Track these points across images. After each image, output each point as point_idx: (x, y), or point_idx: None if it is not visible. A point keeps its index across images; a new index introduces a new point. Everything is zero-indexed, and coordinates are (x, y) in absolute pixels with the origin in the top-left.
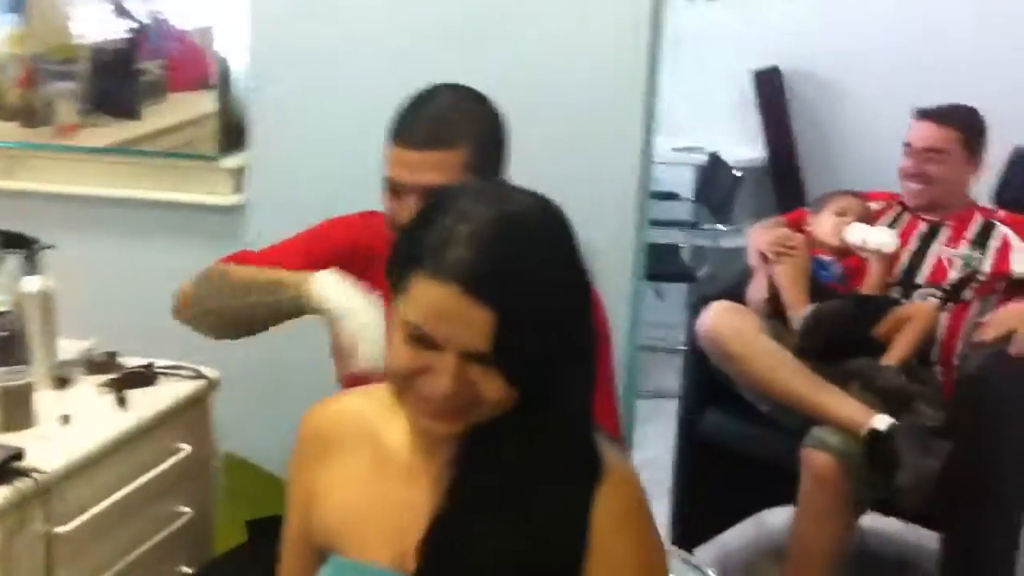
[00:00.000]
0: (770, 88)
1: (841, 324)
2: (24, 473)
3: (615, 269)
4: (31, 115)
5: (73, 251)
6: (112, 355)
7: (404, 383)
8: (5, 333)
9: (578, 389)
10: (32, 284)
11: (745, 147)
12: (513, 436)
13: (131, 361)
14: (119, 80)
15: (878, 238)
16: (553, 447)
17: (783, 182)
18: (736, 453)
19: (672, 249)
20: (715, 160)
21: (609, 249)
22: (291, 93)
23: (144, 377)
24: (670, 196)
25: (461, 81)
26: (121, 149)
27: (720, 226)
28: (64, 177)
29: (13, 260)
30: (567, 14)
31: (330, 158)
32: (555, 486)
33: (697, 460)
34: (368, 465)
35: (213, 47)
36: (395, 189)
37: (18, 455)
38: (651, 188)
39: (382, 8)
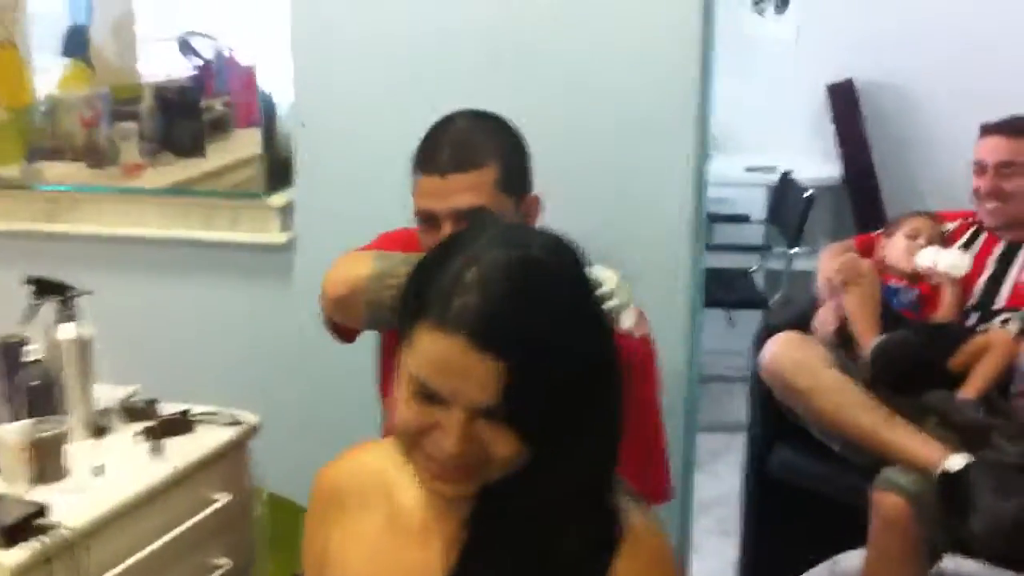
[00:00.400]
0: (844, 102)
1: (912, 356)
2: (46, 530)
3: (671, 296)
4: (97, 155)
5: (122, 293)
6: (152, 402)
7: (411, 441)
8: (37, 383)
9: (596, 444)
10: (67, 331)
11: (821, 164)
12: (527, 496)
13: (170, 408)
14: (183, 118)
15: (948, 261)
16: (570, 506)
17: (861, 200)
18: (808, 492)
19: (744, 274)
20: (786, 180)
21: (664, 275)
22: (335, 128)
23: (181, 424)
24: (741, 218)
25: (505, 106)
26: (167, 189)
27: (794, 249)
28: (114, 219)
29: (49, 307)
30: (611, 34)
31: (376, 192)
32: (573, 546)
33: (766, 499)
34: (382, 524)
35: (258, 85)
36: (428, 220)
37: (40, 511)
38: (722, 211)
39: (424, 39)
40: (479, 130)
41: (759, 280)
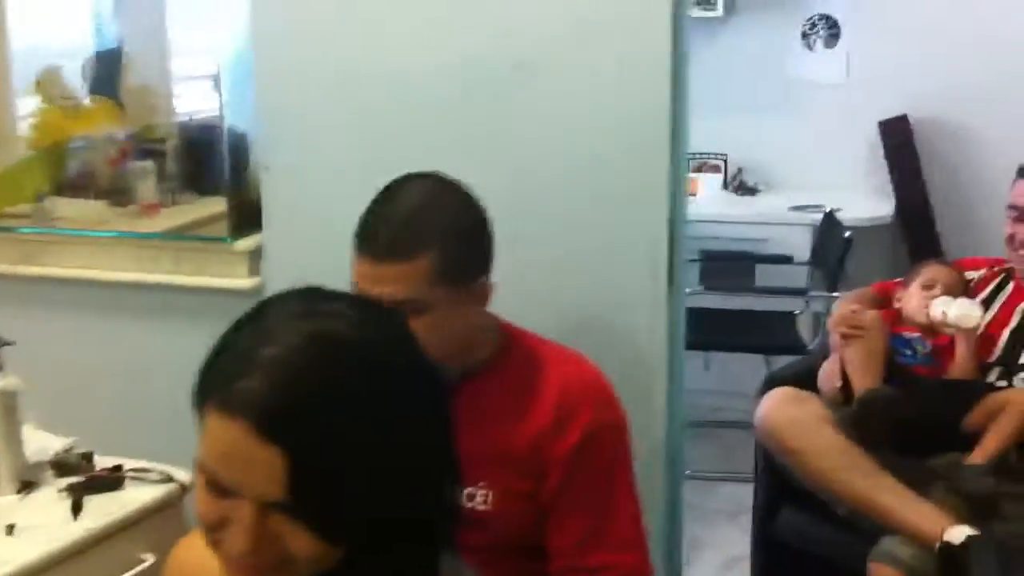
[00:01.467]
0: (897, 138)
1: (892, 414)
2: None
3: (647, 340)
4: (120, 194)
5: (85, 337)
6: (87, 456)
7: (211, 535)
8: None
9: (415, 543)
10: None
11: (874, 203)
12: None
13: (106, 462)
14: (206, 157)
15: (958, 311)
16: None
17: (916, 239)
18: (817, 557)
19: (786, 317)
20: (830, 219)
21: (640, 319)
22: (303, 172)
23: (109, 481)
24: (782, 259)
25: (473, 144)
26: (132, 234)
27: (835, 292)
28: (86, 262)
29: None
30: (580, 72)
31: (346, 239)
32: None
33: (773, 562)
34: None
35: (225, 124)
36: None
37: None
38: (764, 251)
39: (395, 76)
40: (426, 209)
41: (805, 325)
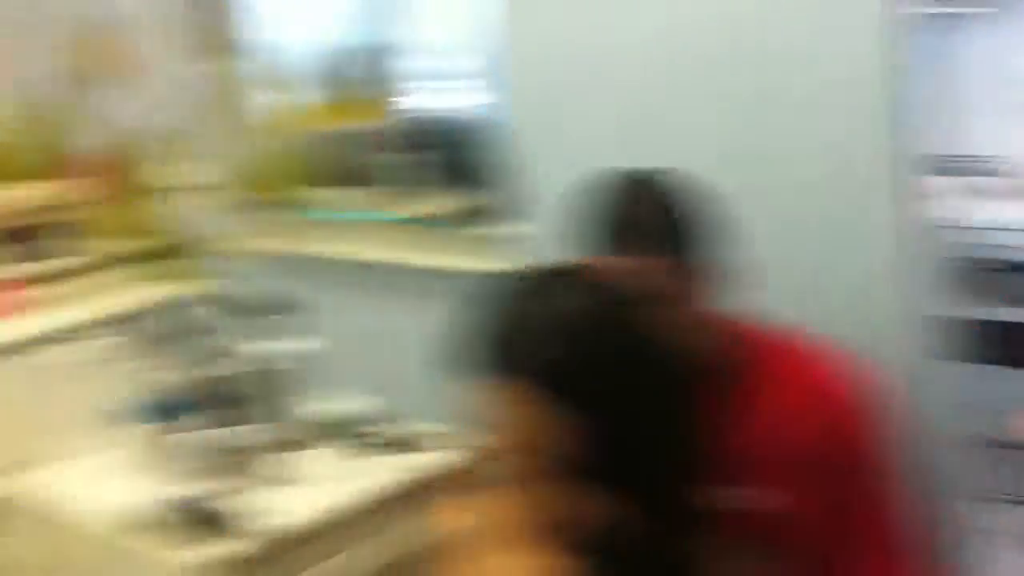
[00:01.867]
0: None
1: None
2: (242, 534)
3: (895, 349)
4: (383, 183)
5: (364, 313)
6: (385, 417)
7: (508, 493)
8: (252, 392)
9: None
10: (290, 344)
11: None
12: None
13: (404, 426)
14: (462, 149)
15: None
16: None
17: None
18: None
19: None
20: None
21: (885, 328)
22: (559, 160)
23: (406, 443)
24: None
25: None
26: (394, 218)
27: None
28: (358, 245)
29: (278, 322)
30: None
31: None
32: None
33: None
34: None
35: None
36: None
37: (244, 514)
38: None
39: (649, 64)
40: (649, 211)
41: None
